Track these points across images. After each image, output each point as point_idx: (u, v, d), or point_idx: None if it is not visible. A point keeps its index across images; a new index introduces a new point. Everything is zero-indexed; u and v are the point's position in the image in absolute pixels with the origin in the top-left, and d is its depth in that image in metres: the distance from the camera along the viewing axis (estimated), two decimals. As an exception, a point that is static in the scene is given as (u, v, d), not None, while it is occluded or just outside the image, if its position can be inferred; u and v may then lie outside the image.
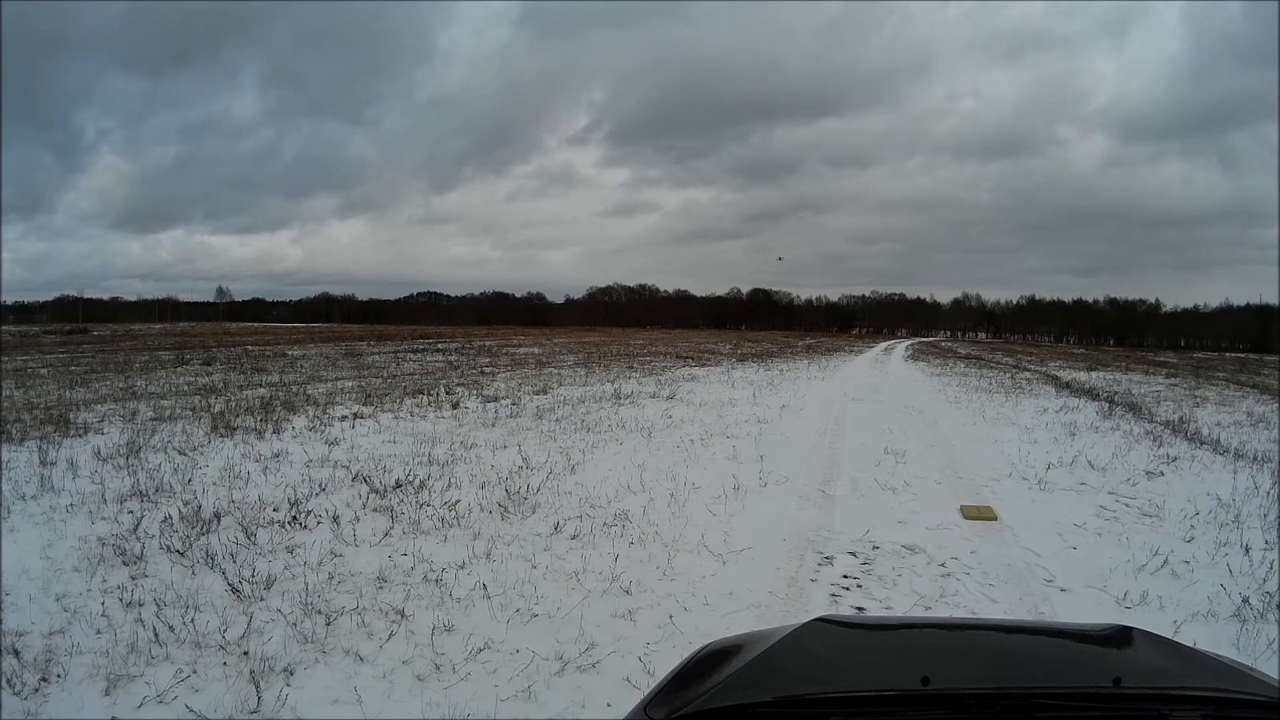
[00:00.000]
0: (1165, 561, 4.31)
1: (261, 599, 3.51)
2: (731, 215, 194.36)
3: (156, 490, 5.30)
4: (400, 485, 5.53)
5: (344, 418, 8.83)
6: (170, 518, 4.60)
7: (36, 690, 2.70)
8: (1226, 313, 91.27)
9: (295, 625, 3.23)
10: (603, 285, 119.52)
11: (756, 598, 3.77)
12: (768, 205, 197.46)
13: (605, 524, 4.80)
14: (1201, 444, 8.51)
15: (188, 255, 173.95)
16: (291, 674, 2.86)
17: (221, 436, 7.46)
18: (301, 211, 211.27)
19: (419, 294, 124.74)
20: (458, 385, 12.89)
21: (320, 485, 5.55)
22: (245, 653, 2.98)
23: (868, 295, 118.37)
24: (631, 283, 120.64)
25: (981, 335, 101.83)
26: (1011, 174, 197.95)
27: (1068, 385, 16.67)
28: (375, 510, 4.98)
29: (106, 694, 2.70)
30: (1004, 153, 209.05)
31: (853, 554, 4.48)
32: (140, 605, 3.39)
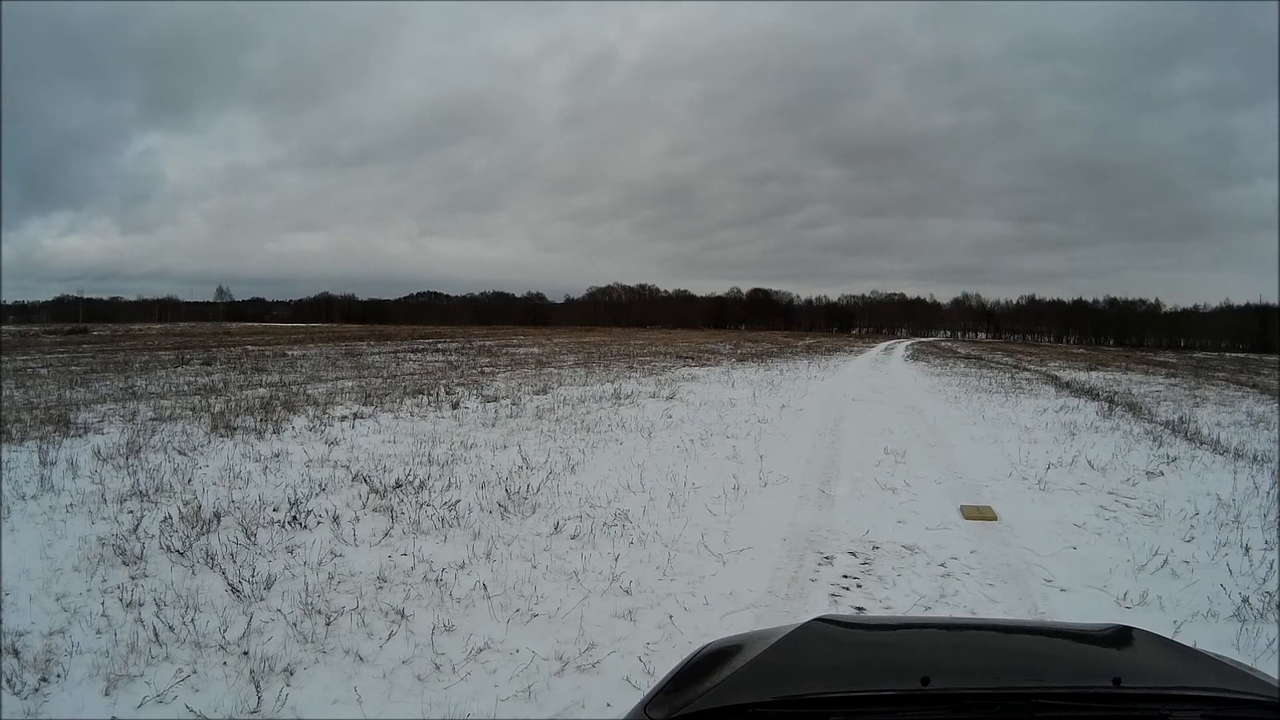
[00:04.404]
0: (1165, 561, 4.31)
1: (261, 599, 3.51)
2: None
3: (156, 490, 5.30)
4: (400, 485, 5.53)
5: (344, 418, 8.83)
6: (170, 518, 4.61)
7: (36, 690, 2.70)
8: (1226, 313, 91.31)
9: (295, 625, 3.23)
10: (603, 285, 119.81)
11: (756, 598, 3.77)
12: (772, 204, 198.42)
13: (605, 524, 4.80)
14: (1201, 444, 8.51)
15: (191, 255, 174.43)
16: (291, 674, 2.86)
17: (221, 436, 7.46)
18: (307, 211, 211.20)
19: (419, 294, 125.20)
20: (458, 385, 12.89)
21: (320, 485, 5.55)
22: (245, 653, 2.98)
23: (868, 295, 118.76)
24: (631, 283, 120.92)
25: (981, 335, 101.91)
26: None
27: (1067, 385, 16.67)
28: (375, 510, 4.97)
29: (106, 694, 2.70)
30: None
31: (853, 554, 4.48)
32: (140, 605, 3.39)
